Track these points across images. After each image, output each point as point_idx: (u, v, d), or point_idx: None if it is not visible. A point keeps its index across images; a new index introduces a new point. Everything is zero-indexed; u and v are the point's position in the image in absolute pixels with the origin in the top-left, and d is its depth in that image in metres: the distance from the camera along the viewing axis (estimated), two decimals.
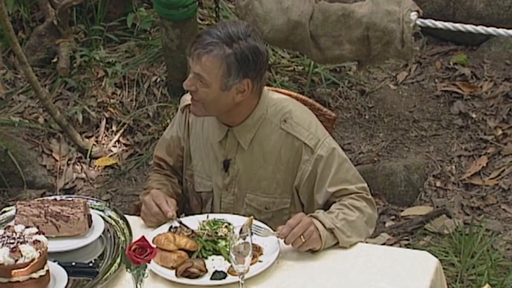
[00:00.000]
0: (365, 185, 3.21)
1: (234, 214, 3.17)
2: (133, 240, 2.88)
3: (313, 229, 2.97)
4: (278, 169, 3.19)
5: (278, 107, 3.20)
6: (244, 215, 3.11)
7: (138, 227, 3.14)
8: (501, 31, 4.56)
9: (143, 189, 3.39)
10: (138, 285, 2.69)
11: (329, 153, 3.16)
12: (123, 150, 5.48)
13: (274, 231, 2.99)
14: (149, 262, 2.68)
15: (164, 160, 3.40)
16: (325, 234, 2.99)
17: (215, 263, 2.95)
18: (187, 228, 3.06)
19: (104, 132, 5.55)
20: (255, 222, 3.02)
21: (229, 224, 3.05)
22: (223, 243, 3.00)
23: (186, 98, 3.33)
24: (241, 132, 3.18)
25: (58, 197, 3.23)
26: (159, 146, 3.44)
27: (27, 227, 2.89)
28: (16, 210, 3.08)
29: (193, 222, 3.10)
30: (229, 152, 3.22)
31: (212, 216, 3.13)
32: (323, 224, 3.00)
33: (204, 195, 3.33)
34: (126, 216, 3.19)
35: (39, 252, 2.78)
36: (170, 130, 3.41)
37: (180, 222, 3.09)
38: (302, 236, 2.94)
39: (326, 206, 3.16)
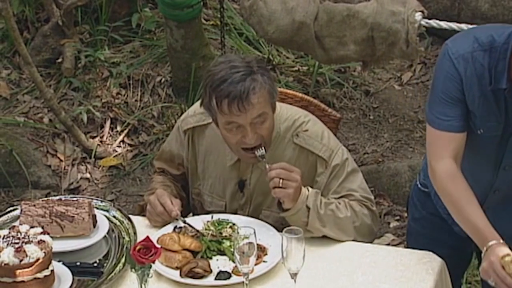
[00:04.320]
0: (371, 197, 3.19)
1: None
2: (138, 240, 2.88)
3: (296, 187, 2.97)
4: None
5: (289, 122, 3.18)
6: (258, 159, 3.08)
7: (142, 227, 3.14)
8: None
9: (147, 190, 3.39)
10: (143, 285, 2.69)
11: (341, 164, 3.15)
12: (127, 150, 5.48)
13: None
14: (153, 262, 2.68)
15: (166, 169, 3.39)
16: (301, 207, 2.99)
17: (219, 263, 2.95)
18: (192, 228, 3.06)
19: (109, 132, 5.55)
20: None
21: (234, 224, 3.06)
22: (227, 243, 3.00)
23: (189, 121, 3.28)
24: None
25: (63, 197, 3.23)
26: (159, 158, 3.41)
27: (32, 227, 2.90)
28: (21, 210, 3.08)
29: (198, 222, 3.11)
30: (244, 173, 3.20)
31: (216, 217, 3.13)
32: (307, 199, 3.00)
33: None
34: (130, 216, 3.19)
35: (44, 252, 2.78)
36: (168, 145, 3.37)
37: (185, 222, 3.09)
38: (281, 181, 2.94)
39: None
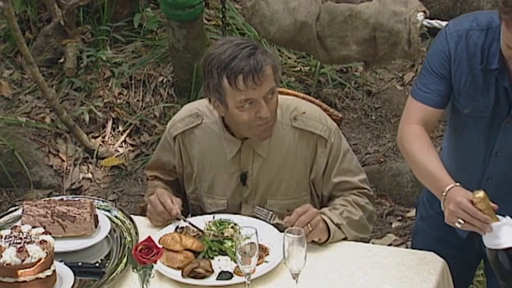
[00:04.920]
0: (365, 175, 3.25)
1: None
2: (140, 240, 2.88)
3: (320, 219, 2.99)
4: (296, 167, 3.18)
5: (283, 107, 3.19)
6: (265, 221, 3.10)
7: (144, 227, 3.14)
8: None
9: (146, 193, 3.38)
10: (145, 285, 2.69)
11: (338, 143, 3.18)
12: (129, 150, 5.48)
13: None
14: (155, 263, 2.68)
15: (159, 176, 3.37)
16: (334, 228, 3.02)
17: (221, 263, 2.95)
18: (194, 226, 3.06)
19: (111, 132, 5.55)
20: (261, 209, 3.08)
21: (235, 224, 3.06)
22: (229, 243, 3.00)
23: (178, 126, 3.27)
24: (258, 142, 3.16)
25: (64, 197, 3.23)
26: (150, 168, 3.40)
27: (33, 227, 2.90)
28: (23, 210, 3.09)
29: (199, 222, 3.10)
30: (245, 165, 3.19)
31: (218, 217, 3.13)
32: (331, 219, 3.03)
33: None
34: (132, 216, 3.19)
35: (46, 252, 2.78)
36: (157, 154, 3.37)
37: (185, 220, 3.09)
38: (309, 225, 2.95)
39: (328, 199, 3.22)
